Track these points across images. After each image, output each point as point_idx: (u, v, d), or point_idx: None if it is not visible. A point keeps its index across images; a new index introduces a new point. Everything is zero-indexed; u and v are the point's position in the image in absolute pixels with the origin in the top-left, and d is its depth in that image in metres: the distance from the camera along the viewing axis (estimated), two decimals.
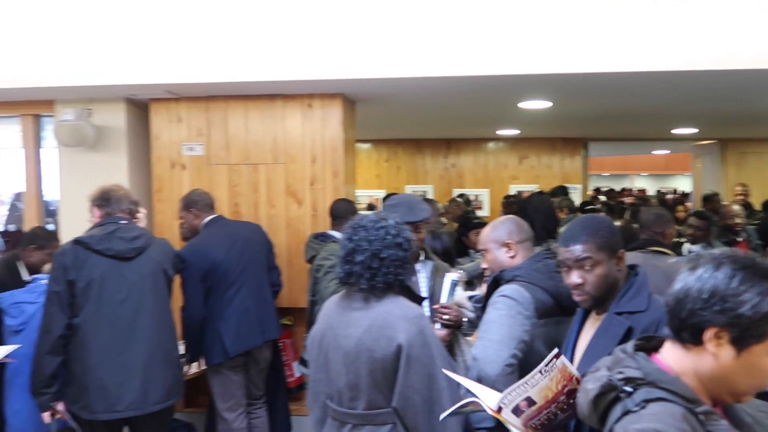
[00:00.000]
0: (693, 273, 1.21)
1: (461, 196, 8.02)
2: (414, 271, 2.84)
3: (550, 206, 4.95)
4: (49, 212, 4.55)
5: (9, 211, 5.56)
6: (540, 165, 8.24)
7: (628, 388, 1.22)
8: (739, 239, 5.05)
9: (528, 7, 3.39)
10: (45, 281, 3.02)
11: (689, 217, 5.24)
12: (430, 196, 7.94)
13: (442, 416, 1.90)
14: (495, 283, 2.27)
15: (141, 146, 4.32)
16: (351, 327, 2.16)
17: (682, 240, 4.78)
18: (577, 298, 1.91)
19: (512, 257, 2.35)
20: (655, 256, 3.27)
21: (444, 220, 5.38)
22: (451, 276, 2.64)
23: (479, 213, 7.58)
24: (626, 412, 1.19)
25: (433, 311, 2.65)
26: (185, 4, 3.62)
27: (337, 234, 3.66)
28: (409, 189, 8.25)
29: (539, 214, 4.50)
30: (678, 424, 1.13)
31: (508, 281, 2.22)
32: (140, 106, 4.31)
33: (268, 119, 4.14)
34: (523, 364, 2.04)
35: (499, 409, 1.57)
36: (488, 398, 1.65)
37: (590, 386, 1.29)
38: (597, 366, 1.34)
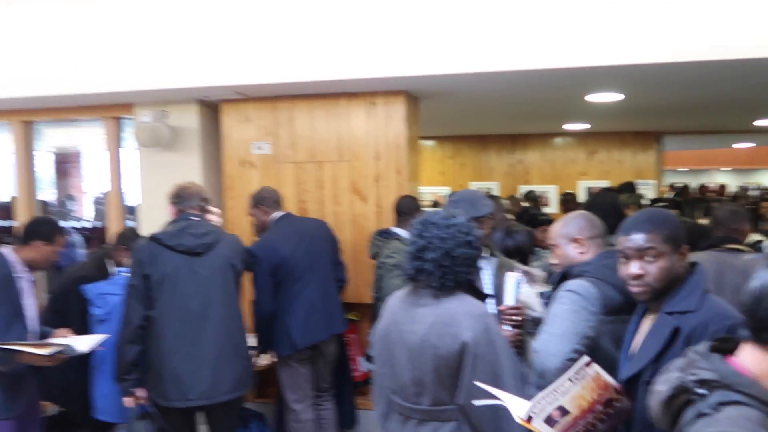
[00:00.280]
0: None
1: (530, 192, 7.87)
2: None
3: (617, 203, 4.78)
4: (129, 209, 4.79)
5: (94, 209, 5.91)
6: (610, 160, 7.95)
7: (702, 391, 1.18)
8: None
9: None
10: (126, 274, 3.20)
11: None
12: (495, 193, 7.81)
13: (477, 403, 1.84)
14: (563, 279, 2.23)
15: (212, 146, 4.48)
16: (416, 323, 2.15)
17: (763, 239, 4.51)
18: (634, 290, 1.82)
19: (582, 253, 2.28)
20: (731, 253, 3.12)
21: (511, 216, 5.30)
22: (514, 275, 2.60)
23: (547, 210, 7.41)
24: (700, 415, 1.15)
25: (499, 312, 2.62)
26: (252, 11, 3.74)
27: (400, 231, 3.68)
28: (474, 186, 8.08)
29: (604, 211, 4.35)
30: (757, 429, 1.08)
31: (575, 277, 2.17)
32: (211, 108, 4.47)
33: (333, 117, 4.21)
34: None
35: (530, 419, 1.52)
36: (517, 407, 1.60)
37: (662, 387, 1.25)
38: (668, 367, 1.30)
